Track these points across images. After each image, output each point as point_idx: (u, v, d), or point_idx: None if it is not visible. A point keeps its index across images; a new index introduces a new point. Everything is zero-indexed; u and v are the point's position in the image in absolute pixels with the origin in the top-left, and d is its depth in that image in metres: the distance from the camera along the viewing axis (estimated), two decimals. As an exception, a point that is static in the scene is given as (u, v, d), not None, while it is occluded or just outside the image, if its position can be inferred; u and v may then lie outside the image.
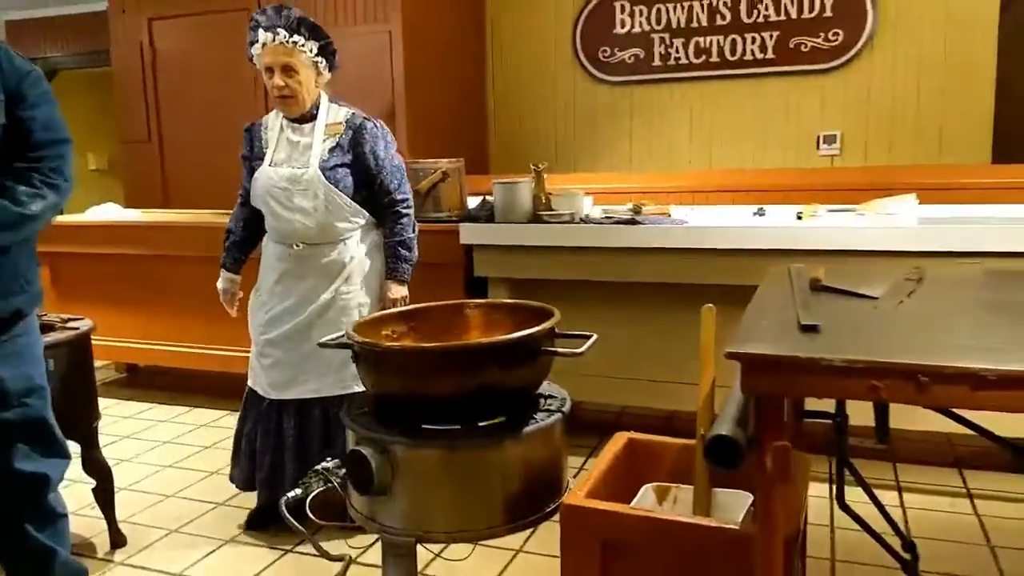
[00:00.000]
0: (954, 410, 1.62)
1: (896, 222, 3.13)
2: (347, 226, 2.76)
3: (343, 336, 1.95)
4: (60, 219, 4.76)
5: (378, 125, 2.80)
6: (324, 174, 2.68)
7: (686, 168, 5.79)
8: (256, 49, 2.72)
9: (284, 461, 2.79)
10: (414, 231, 2.85)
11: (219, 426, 4.08)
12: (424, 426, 1.79)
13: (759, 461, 1.33)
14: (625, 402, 3.68)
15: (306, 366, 2.74)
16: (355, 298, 2.78)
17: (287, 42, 2.64)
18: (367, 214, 2.81)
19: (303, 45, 2.67)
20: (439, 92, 5.63)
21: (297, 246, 2.75)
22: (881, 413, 1.53)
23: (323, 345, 2.00)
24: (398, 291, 2.82)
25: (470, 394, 1.78)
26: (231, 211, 3.08)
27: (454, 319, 2.17)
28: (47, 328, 2.43)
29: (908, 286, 1.82)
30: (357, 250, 2.81)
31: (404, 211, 2.80)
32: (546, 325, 1.85)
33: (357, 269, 2.80)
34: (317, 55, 2.72)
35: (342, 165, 2.72)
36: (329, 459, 2.07)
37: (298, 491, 1.98)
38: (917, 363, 1.25)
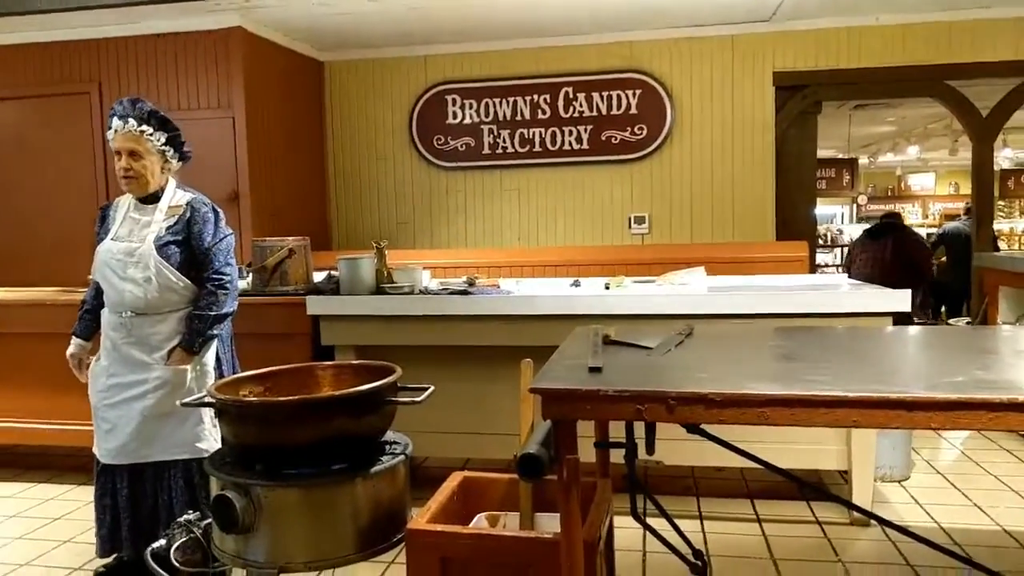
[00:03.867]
0: (743, 448, 2.08)
1: (687, 290, 3.70)
2: (176, 299, 2.95)
3: (203, 396, 2.17)
4: None
5: (212, 208, 3.05)
6: (157, 250, 2.91)
7: (514, 245, 6.35)
8: (110, 134, 2.95)
9: (120, 521, 2.95)
10: (224, 308, 2.96)
11: (66, 499, 4.04)
12: (284, 471, 2.04)
13: (559, 473, 1.71)
14: (466, 454, 3.99)
15: (136, 433, 2.91)
16: (188, 371, 2.93)
17: (135, 131, 2.91)
18: (197, 290, 3.00)
19: (151, 134, 2.94)
20: (282, 174, 5.90)
21: (126, 314, 2.93)
22: (649, 431, 1.97)
23: (186, 404, 2.22)
24: (177, 359, 2.91)
25: (324, 441, 2.05)
26: (69, 288, 3.20)
27: (306, 379, 2.45)
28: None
29: (678, 338, 2.30)
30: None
31: (217, 287, 2.95)
32: (390, 379, 2.17)
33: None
34: (165, 144, 2.98)
35: (175, 243, 2.95)
36: (190, 511, 2.28)
37: (162, 542, 2.17)
38: (667, 391, 1.68)
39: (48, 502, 4.02)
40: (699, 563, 2.52)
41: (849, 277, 5.57)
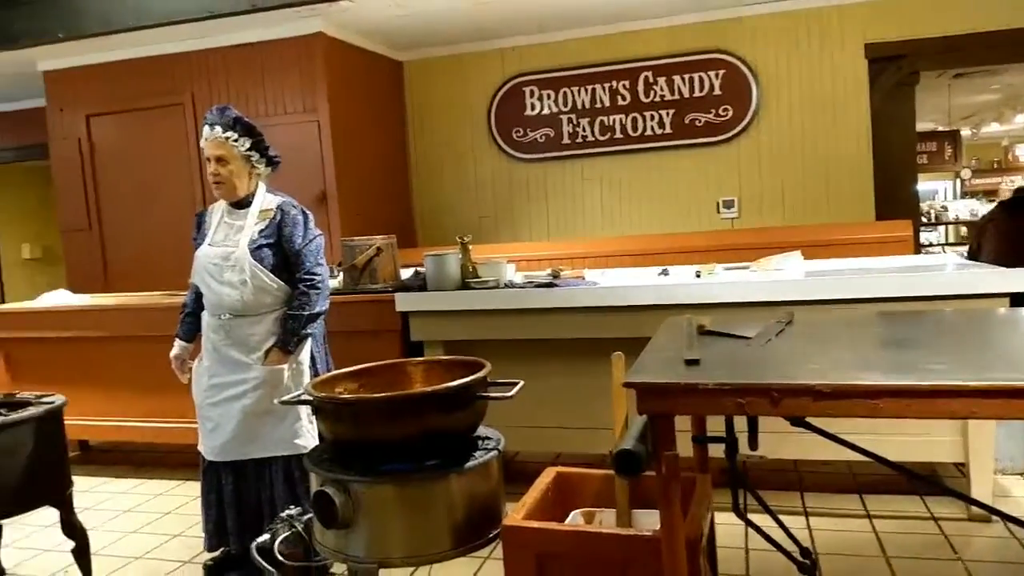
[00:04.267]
0: (851, 440, 1.98)
1: (783, 276, 3.55)
2: (271, 300, 3.03)
3: (301, 394, 2.21)
4: (11, 306, 4.90)
5: (301, 211, 3.12)
6: (251, 253, 2.99)
7: (597, 235, 6.26)
8: (202, 142, 3.06)
9: (226, 516, 3.06)
10: (316, 307, 3.02)
11: (174, 494, 4.22)
12: (380, 467, 2.05)
13: (657, 469, 1.65)
14: (555, 449, 3.95)
15: (238, 431, 3.00)
16: (285, 370, 3.01)
17: (221, 137, 3.01)
18: (290, 291, 3.06)
19: (236, 140, 3.03)
20: (366, 174, 6.01)
21: (225, 316, 3.02)
22: (752, 425, 1.88)
23: (284, 403, 2.27)
24: (274, 359, 2.99)
25: (418, 436, 2.06)
26: (172, 292, 3.32)
27: (398, 376, 2.46)
28: (24, 404, 2.63)
29: (777, 327, 2.20)
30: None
31: (309, 287, 3.02)
32: (480, 374, 2.16)
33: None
34: (250, 150, 3.06)
35: (267, 245, 3.02)
36: (292, 507, 2.33)
37: (266, 537, 2.22)
38: (770, 383, 1.60)
39: (158, 497, 4.20)
40: (807, 561, 2.41)
41: (977, 259, 5.22)
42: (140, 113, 5.67)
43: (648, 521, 2.27)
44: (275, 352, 2.99)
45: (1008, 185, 13.32)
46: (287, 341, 2.98)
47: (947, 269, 3.51)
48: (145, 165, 5.90)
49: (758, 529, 2.21)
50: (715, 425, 2.24)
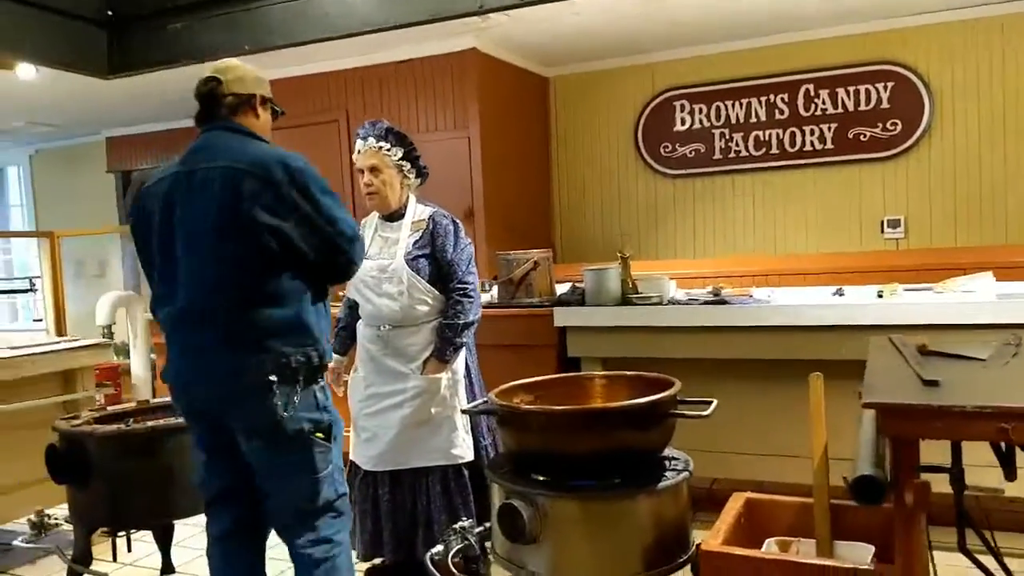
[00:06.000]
0: None
1: (977, 297, 3.25)
2: (427, 310, 3.00)
3: (484, 402, 2.15)
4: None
5: (452, 220, 3.11)
6: (407, 264, 2.99)
7: (749, 252, 5.99)
8: (355, 156, 3.09)
9: (381, 526, 3.02)
10: (470, 316, 2.99)
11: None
12: (565, 482, 1.96)
13: (897, 498, 1.48)
14: (714, 475, 3.75)
15: (396, 441, 2.97)
16: (444, 380, 2.96)
17: (375, 147, 3.03)
18: (444, 300, 3.03)
19: (388, 150, 3.04)
20: (513, 191, 6.00)
21: (384, 327, 3.02)
22: (1006, 456, 1.67)
23: (466, 411, 2.22)
24: (432, 368, 2.96)
25: (606, 453, 1.95)
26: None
27: (574, 390, 2.38)
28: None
29: (1010, 349, 1.97)
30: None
31: (462, 296, 3.00)
32: (672, 391, 2.04)
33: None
34: (402, 159, 3.07)
35: (422, 256, 3.02)
36: (465, 519, 2.27)
37: (440, 548, 2.17)
38: (1042, 406, 1.40)
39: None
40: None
41: None
42: (298, 130, 5.87)
43: (851, 554, 2.07)
44: (432, 362, 2.97)
45: None
46: (444, 351, 2.96)
47: None
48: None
49: (978, 562, 1.96)
50: (932, 454, 2.02)
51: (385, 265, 3.01)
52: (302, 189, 2.15)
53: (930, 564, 2.06)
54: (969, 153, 5.47)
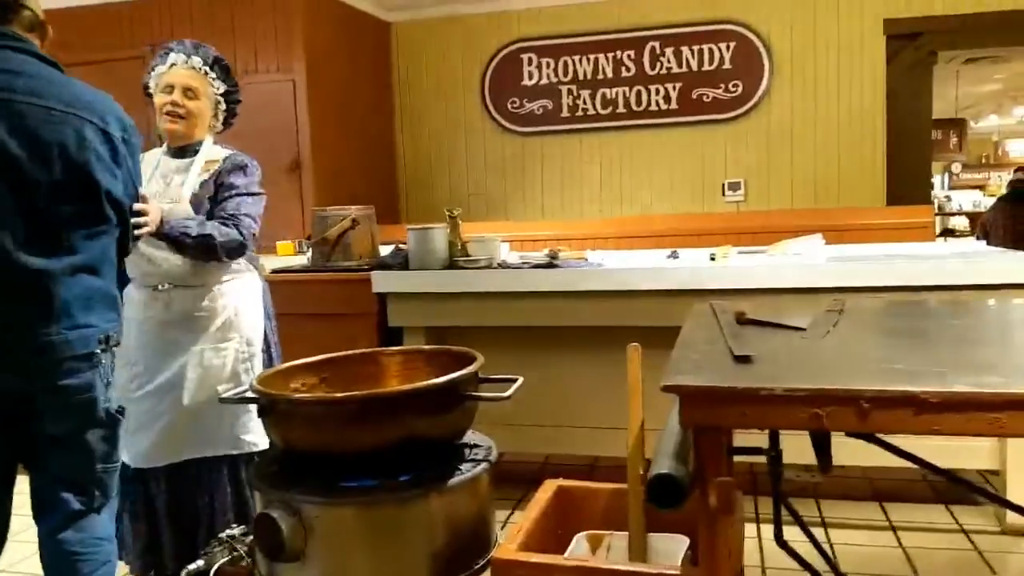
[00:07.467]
0: (890, 442, 1.59)
1: (806, 261, 3.19)
2: (219, 265, 2.53)
3: (245, 390, 1.79)
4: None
5: (252, 162, 2.64)
6: (195, 209, 2.50)
7: (595, 215, 5.86)
8: (161, 69, 2.57)
9: (159, 531, 2.55)
10: (217, 237, 2.42)
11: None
12: (340, 483, 1.64)
13: (702, 498, 1.26)
14: (547, 450, 3.58)
15: (172, 429, 2.50)
16: (233, 353, 2.54)
17: (200, 68, 2.56)
18: (249, 255, 2.61)
19: (214, 79, 2.60)
20: (346, 141, 5.56)
21: (163, 285, 2.51)
22: (820, 443, 1.49)
23: (224, 401, 1.83)
24: (153, 209, 2.24)
25: (391, 446, 1.65)
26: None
27: (369, 368, 2.05)
28: None
29: (832, 317, 1.81)
30: (235, 299, 2.57)
31: (231, 221, 2.49)
32: (470, 369, 1.75)
33: (236, 321, 2.56)
34: (222, 95, 2.64)
35: (210, 198, 2.55)
36: (234, 525, 1.90)
37: (200, 563, 1.80)
38: (859, 389, 1.21)
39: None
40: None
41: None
42: (96, 67, 5.18)
43: (666, 548, 1.88)
44: (157, 210, 2.27)
45: (996, 181, 13.09)
46: (173, 227, 2.34)
47: (993, 255, 3.15)
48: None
49: (798, 557, 1.81)
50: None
51: (167, 208, 2.47)
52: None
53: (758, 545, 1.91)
54: (805, 116, 5.53)
